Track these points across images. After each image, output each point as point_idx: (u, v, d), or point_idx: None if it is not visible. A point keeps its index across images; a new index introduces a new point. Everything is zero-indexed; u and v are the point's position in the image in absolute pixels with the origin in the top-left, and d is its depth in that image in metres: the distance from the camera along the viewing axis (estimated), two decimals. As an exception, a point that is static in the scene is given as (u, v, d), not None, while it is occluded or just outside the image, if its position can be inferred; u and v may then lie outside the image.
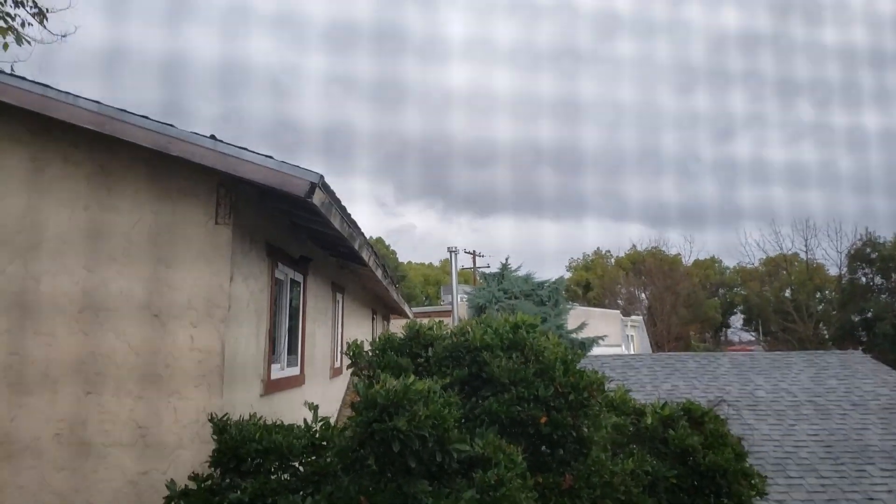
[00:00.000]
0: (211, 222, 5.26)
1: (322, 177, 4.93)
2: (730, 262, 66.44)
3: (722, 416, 6.04)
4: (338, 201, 5.65)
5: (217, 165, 4.91)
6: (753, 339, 54.91)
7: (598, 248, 70.42)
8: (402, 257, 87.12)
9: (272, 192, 5.41)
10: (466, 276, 60.50)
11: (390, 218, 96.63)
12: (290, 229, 7.32)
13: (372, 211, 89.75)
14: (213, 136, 4.97)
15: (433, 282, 65.15)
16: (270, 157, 4.92)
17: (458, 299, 18.52)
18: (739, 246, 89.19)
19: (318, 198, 4.99)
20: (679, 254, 62.93)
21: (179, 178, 5.28)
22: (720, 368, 13.84)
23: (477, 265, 48.76)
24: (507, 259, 24.25)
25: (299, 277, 7.82)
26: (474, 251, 49.54)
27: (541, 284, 23.14)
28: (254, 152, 4.91)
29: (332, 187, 5.33)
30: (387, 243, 65.18)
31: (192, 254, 5.23)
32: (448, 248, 16.55)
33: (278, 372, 6.94)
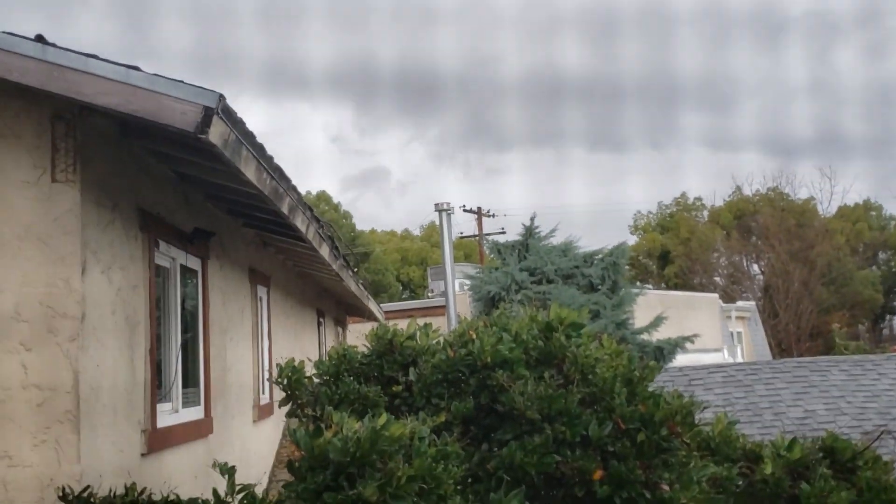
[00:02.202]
0: (45, 178, 5.24)
1: (222, 98, 4.89)
2: (896, 209, 66.71)
3: (885, 458, 6.09)
4: (250, 136, 5.62)
5: (49, 85, 4.87)
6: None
7: (682, 195, 70.46)
8: (365, 222, 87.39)
9: (142, 127, 5.36)
10: (469, 249, 60.69)
11: (351, 158, 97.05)
12: (177, 186, 7.29)
13: (321, 149, 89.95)
14: (39, 38, 4.92)
15: (415, 260, 65.38)
16: (136, 68, 4.88)
17: (456, 287, 18.52)
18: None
19: (216, 132, 4.95)
20: (813, 198, 63.26)
21: (-13, 109, 5.23)
22: (882, 381, 13.94)
23: (485, 231, 48.90)
24: (532, 219, 24.29)
25: (196, 263, 7.84)
26: (479, 209, 49.58)
27: (589, 257, 23.21)
28: (107, 61, 4.86)
29: (239, 115, 5.30)
30: (336, 202, 65.28)
31: (15, 232, 5.20)
32: (436, 204, 16.52)
33: (169, 416, 6.97)
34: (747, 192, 64.41)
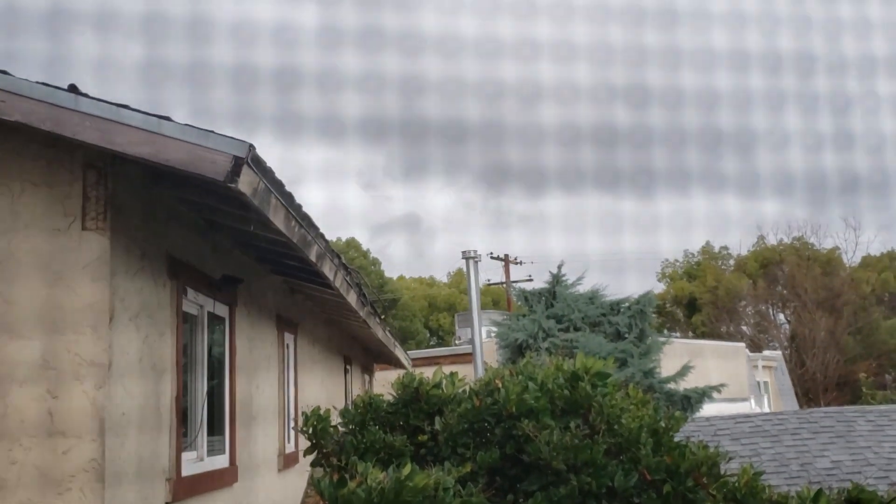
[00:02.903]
0: (76, 226, 5.28)
1: (252, 148, 4.93)
2: (923, 259, 66.03)
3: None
4: (279, 185, 5.66)
5: (81, 135, 4.93)
6: (966, 380, 54.60)
7: (706, 244, 70.26)
8: (393, 270, 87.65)
9: (172, 175, 5.40)
10: (496, 296, 60.68)
11: (380, 207, 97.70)
12: (206, 233, 7.33)
13: (352, 196, 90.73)
14: (72, 88, 4.98)
15: (443, 306, 65.37)
16: (167, 118, 4.93)
17: (483, 334, 18.47)
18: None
19: (246, 181, 4.99)
20: (838, 248, 62.81)
21: (19, 158, 5.30)
22: (912, 431, 13.74)
23: (512, 278, 48.90)
24: (559, 266, 24.25)
25: (223, 310, 7.84)
26: (507, 256, 49.66)
27: (616, 305, 23.13)
28: (138, 111, 4.91)
29: (268, 163, 5.33)
30: (365, 248, 65.50)
31: (45, 279, 5.23)
32: (463, 252, 16.58)
33: (194, 465, 6.94)
34: (772, 241, 64.09)
